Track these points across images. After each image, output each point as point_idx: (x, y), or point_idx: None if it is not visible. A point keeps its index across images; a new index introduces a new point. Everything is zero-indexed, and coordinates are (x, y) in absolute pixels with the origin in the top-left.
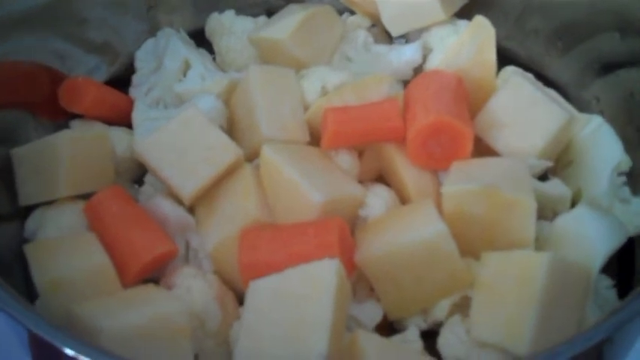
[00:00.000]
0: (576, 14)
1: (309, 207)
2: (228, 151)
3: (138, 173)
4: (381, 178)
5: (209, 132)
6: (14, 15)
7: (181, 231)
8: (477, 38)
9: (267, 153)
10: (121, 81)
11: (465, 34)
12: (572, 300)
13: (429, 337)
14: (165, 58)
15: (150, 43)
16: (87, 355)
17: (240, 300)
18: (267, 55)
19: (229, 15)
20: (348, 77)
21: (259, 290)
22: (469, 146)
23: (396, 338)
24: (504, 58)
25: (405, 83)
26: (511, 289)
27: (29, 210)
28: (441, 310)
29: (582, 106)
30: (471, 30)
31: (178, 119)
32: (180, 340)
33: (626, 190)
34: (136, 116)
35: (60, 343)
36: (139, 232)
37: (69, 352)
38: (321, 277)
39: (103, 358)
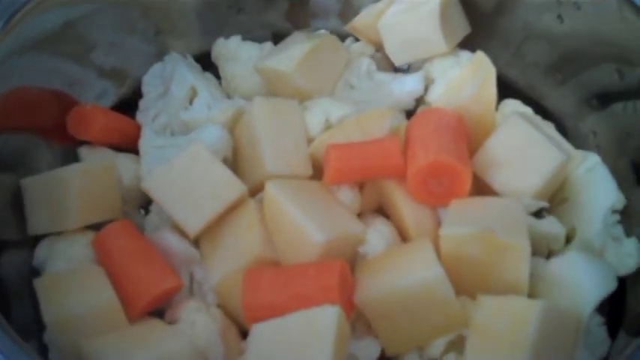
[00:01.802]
0: (576, 45)
1: (311, 246)
2: (232, 187)
3: (144, 200)
4: (381, 208)
5: (214, 168)
6: (24, 41)
7: (186, 263)
8: (478, 75)
9: (271, 190)
10: (129, 104)
11: (465, 69)
12: (562, 344)
13: None
14: (172, 85)
15: (157, 67)
16: None
17: (243, 333)
18: (272, 83)
19: (235, 41)
20: (351, 109)
21: (262, 334)
22: (467, 185)
23: None
24: (504, 86)
25: (407, 113)
26: (504, 334)
27: (37, 239)
28: (436, 347)
29: (579, 139)
30: (472, 67)
31: (184, 155)
32: None
33: (619, 229)
34: (143, 144)
35: None
36: (146, 267)
37: None
38: (322, 324)
39: None
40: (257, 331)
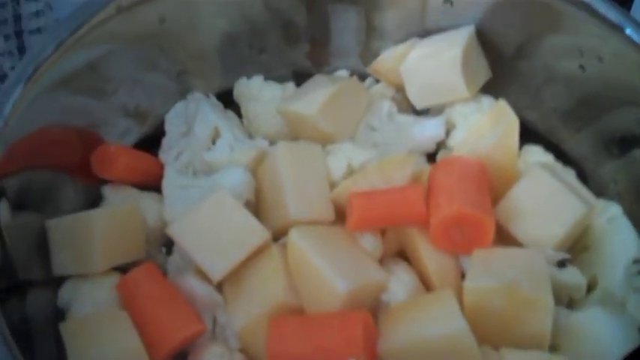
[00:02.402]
0: (596, 92)
1: (335, 295)
2: (256, 233)
3: (167, 239)
4: (402, 251)
5: (238, 215)
6: (51, 83)
7: (209, 308)
8: (500, 124)
9: (295, 239)
10: (151, 141)
11: (487, 117)
12: None
13: None
14: (195, 124)
15: (180, 106)
16: None
17: None
18: (295, 126)
19: (257, 81)
20: (373, 154)
21: None
22: (490, 236)
23: None
24: (523, 130)
25: (428, 156)
26: None
27: (61, 279)
28: None
29: (599, 186)
30: (494, 114)
31: (209, 202)
32: None
33: None
34: (167, 184)
35: None
36: (170, 312)
37: None
38: None
39: None
40: None
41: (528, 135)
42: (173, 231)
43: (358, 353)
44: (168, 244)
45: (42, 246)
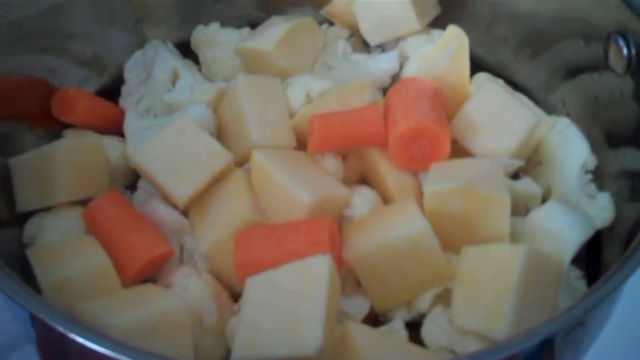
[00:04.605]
0: (542, 23)
1: (299, 207)
2: (219, 156)
3: (131, 179)
4: (363, 181)
5: (201, 139)
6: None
7: (176, 233)
8: (452, 47)
9: (258, 158)
10: (110, 92)
11: (440, 42)
12: (545, 289)
13: (413, 327)
14: (154, 69)
15: (138, 54)
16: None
17: (234, 298)
18: (253, 65)
19: (214, 27)
20: (331, 85)
21: (256, 286)
22: (447, 148)
23: (382, 329)
24: (475, 65)
25: (384, 90)
26: (490, 280)
27: (26, 218)
28: (423, 301)
29: (549, 109)
30: (446, 39)
31: (172, 127)
32: (182, 336)
33: (593, 187)
34: (128, 125)
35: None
36: (137, 234)
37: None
38: (315, 272)
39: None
40: (252, 282)
41: (479, 70)
42: (138, 157)
43: (325, 253)
44: (132, 186)
45: (4, 187)
